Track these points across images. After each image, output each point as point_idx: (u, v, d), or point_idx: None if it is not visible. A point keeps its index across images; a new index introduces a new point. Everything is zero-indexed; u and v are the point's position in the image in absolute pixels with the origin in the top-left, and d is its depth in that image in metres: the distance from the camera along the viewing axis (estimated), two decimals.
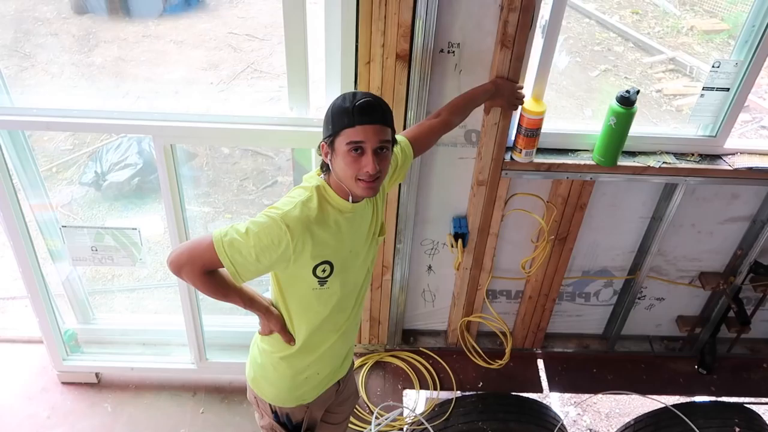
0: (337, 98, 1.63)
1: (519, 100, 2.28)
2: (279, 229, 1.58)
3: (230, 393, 3.00)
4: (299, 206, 1.62)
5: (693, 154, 2.55)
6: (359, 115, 1.56)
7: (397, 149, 1.85)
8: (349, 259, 1.75)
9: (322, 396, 1.98)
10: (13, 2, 5.20)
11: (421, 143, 2.02)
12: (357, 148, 1.57)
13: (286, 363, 1.86)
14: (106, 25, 5.23)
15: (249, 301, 1.79)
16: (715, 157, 2.56)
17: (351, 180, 1.61)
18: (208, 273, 1.66)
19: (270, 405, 1.95)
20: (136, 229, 2.63)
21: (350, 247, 1.74)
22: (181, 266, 1.65)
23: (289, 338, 1.82)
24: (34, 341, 3.10)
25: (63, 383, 3.02)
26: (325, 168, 1.69)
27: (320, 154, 1.68)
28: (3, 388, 2.99)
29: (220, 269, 1.66)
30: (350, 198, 1.67)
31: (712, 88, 2.40)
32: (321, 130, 2.29)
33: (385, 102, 1.65)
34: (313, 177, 1.72)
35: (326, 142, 1.63)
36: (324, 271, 1.68)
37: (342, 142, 1.58)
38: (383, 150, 1.60)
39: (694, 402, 3.00)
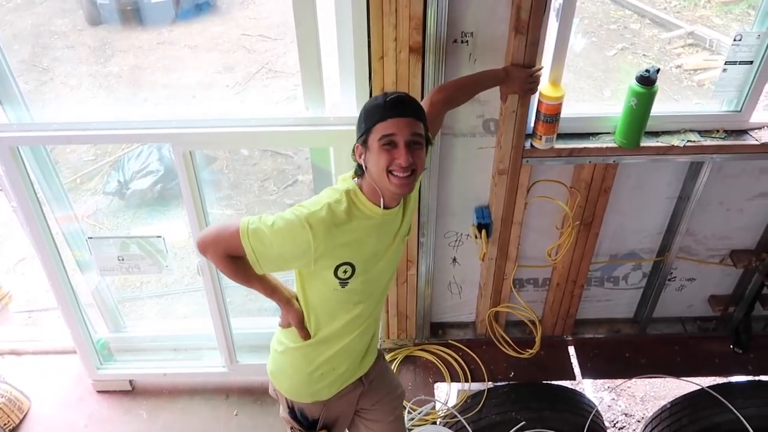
0: (370, 99, 1.69)
1: (534, 84, 2.24)
2: (302, 228, 1.59)
3: (262, 394, 3.01)
4: (326, 207, 1.62)
5: (718, 131, 2.49)
6: (391, 109, 1.59)
7: None
8: (372, 261, 1.74)
9: (340, 394, 1.97)
10: (29, 17, 5.28)
11: (433, 121, 1.95)
12: (390, 142, 1.59)
13: (302, 355, 1.88)
14: (120, 34, 5.29)
15: (270, 291, 1.82)
16: (741, 132, 2.50)
17: (383, 174, 1.61)
18: (232, 257, 1.70)
19: (287, 399, 1.97)
20: (160, 236, 2.65)
21: (374, 250, 1.73)
22: (206, 246, 1.70)
23: (306, 334, 1.84)
24: (68, 351, 3.15)
25: (98, 392, 3.07)
26: (359, 172, 1.70)
27: (354, 159, 1.69)
28: (41, 398, 3.04)
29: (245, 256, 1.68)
30: (381, 203, 1.66)
31: (734, 62, 2.34)
32: (338, 128, 2.31)
33: (417, 100, 1.69)
34: (347, 179, 1.72)
35: (360, 143, 1.65)
36: (345, 272, 1.68)
37: (375, 138, 1.60)
38: (416, 144, 1.62)
39: (731, 382, 2.96)
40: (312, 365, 1.88)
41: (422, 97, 2.28)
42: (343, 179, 1.74)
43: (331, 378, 1.92)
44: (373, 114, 1.61)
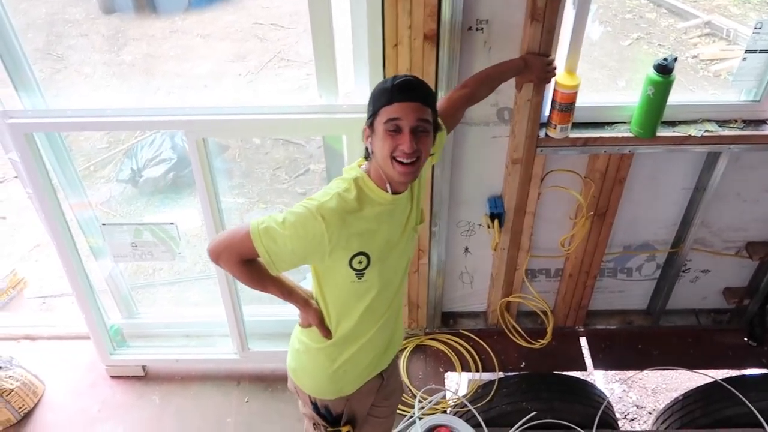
0: (380, 82, 1.64)
1: (550, 74, 2.22)
2: (314, 220, 1.57)
3: (273, 381, 3.03)
4: (336, 198, 1.60)
5: (736, 121, 2.46)
6: (398, 92, 1.56)
7: None
8: (386, 250, 1.71)
9: (362, 389, 1.95)
10: (44, 6, 5.31)
11: (451, 116, 1.98)
12: (395, 128, 1.56)
13: (324, 355, 1.85)
14: (133, 23, 5.32)
15: (288, 293, 1.79)
16: (760, 122, 2.46)
17: (387, 160, 1.58)
18: (245, 262, 1.67)
19: (309, 396, 1.94)
20: (173, 223, 2.66)
21: (387, 237, 1.71)
22: (219, 254, 1.67)
23: (327, 333, 1.81)
24: (82, 337, 3.17)
25: (111, 377, 3.09)
26: (366, 155, 1.68)
27: (363, 140, 1.67)
28: (54, 383, 3.07)
29: (259, 259, 1.66)
30: (389, 188, 1.64)
31: (754, 51, 2.31)
32: (351, 116, 2.30)
33: (428, 84, 1.64)
34: (353, 168, 1.70)
35: (367, 125, 1.63)
36: (360, 263, 1.66)
37: (380, 121, 1.57)
38: (422, 131, 1.58)
39: (744, 375, 2.93)
40: (335, 363, 1.86)
41: (436, 86, 2.27)
42: (350, 168, 1.72)
43: (354, 373, 1.91)
44: (380, 97, 1.58)
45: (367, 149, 1.66)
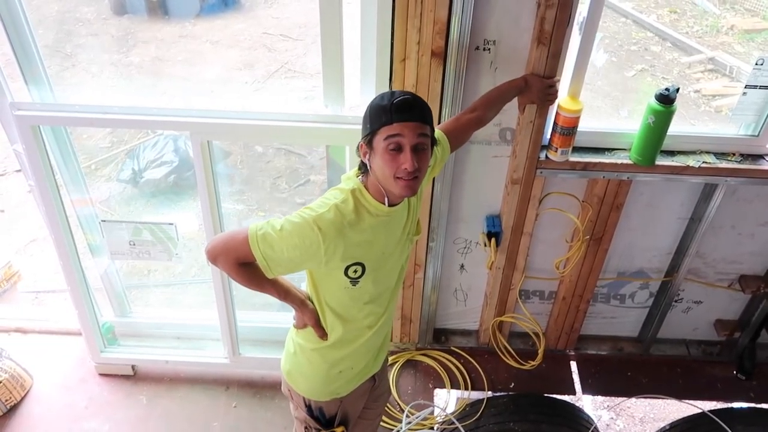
0: (376, 97, 1.63)
1: (552, 95, 2.25)
2: (311, 231, 1.58)
3: (262, 388, 3.03)
4: (333, 209, 1.61)
5: (734, 154, 2.49)
6: (397, 112, 1.55)
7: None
8: (382, 260, 1.73)
9: (356, 391, 1.97)
10: (56, 3, 5.35)
11: (457, 137, 2.02)
12: (395, 146, 1.56)
13: (320, 356, 1.87)
14: (144, 25, 5.34)
15: (284, 294, 1.81)
16: (758, 156, 2.50)
17: (390, 179, 1.59)
18: (242, 264, 1.68)
19: (303, 398, 1.95)
20: (172, 224, 2.67)
21: (383, 248, 1.72)
22: (216, 255, 1.69)
23: (323, 333, 1.83)
24: (73, 333, 3.17)
25: (100, 375, 3.08)
26: (363, 169, 1.69)
27: (359, 155, 1.67)
28: (43, 378, 3.06)
29: (256, 263, 1.67)
30: (386, 201, 1.65)
31: (755, 86, 2.35)
32: (356, 127, 2.31)
33: (424, 100, 1.65)
34: (351, 178, 1.71)
35: (364, 142, 1.63)
36: (356, 271, 1.68)
37: (380, 140, 1.57)
38: (422, 147, 1.59)
39: (732, 408, 2.93)
40: (331, 364, 1.87)
41: (441, 102, 2.30)
42: (347, 178, 1.73)
43: (349, 376, 1.92)
44: (379, 115, 1.57)
45: (364, 164, 1.67)
